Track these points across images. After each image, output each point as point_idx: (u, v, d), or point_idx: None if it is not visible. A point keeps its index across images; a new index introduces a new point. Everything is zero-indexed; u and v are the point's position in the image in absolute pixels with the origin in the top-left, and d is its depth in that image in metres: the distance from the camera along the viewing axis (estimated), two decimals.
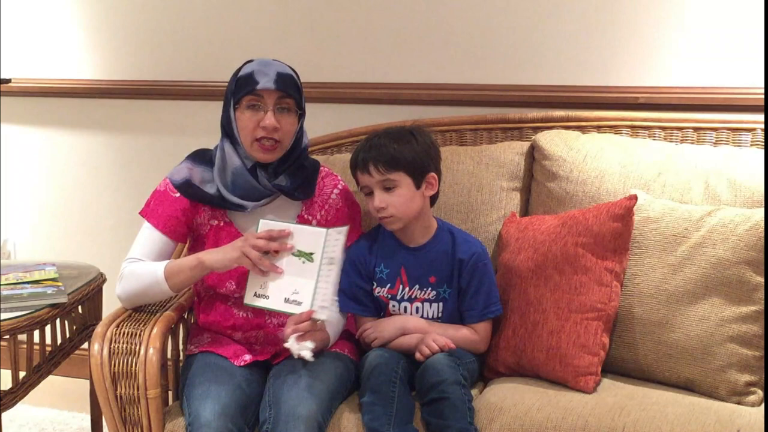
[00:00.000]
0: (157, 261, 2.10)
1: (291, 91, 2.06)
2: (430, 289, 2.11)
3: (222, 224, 2.14)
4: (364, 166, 2.05)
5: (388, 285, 2.12)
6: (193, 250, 2.19)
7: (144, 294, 2.07)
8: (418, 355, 2.01)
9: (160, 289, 2.05)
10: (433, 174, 2.08)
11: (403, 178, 2.04)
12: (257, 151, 2.07)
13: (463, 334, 2.10)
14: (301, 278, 1.96)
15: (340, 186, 2.20)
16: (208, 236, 2.14)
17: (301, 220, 2.15)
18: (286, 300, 1.97)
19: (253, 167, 2.10)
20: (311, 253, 1.97)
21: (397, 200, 2.04)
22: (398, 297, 2.12)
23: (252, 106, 2.05)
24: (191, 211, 2.14)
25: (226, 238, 2.12)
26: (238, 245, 1.98)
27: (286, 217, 2.14)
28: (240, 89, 2.06)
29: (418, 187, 2.06)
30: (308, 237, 1.97)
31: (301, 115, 2.10)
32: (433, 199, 2.14)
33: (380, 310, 2.15)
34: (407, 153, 2.03)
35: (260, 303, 1.99)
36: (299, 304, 1.95)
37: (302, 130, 2.14)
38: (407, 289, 2.12)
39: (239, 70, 2.10)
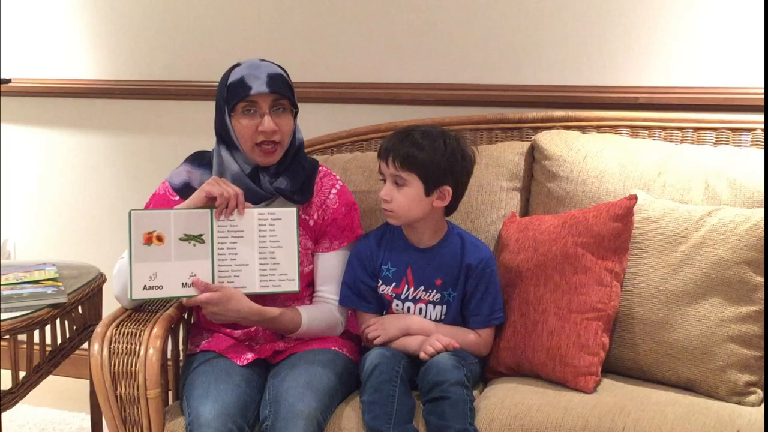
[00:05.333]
0: None
1: (284, 91, 2.05)
2: (435, 291, 2.11)
3: None
4: (385, 156, 2.04)
5: (393, 284, 2.12)
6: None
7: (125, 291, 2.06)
8: (422, 354, 2.01)
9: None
10: (447, 187, 2.04)
11: (414, 180, 2.02)
12: (258, 155, 2.07)
13: (466, 336, 2.10)
14: (195, 260, 1.97)
15: (338, 186, 2.20)
16: None
17: (299, 221, 2.15)
18: (184, 285, 1.97)
19: (252, 171, 2.09)
20: (200, 235, 1.98)
21: (401, 199, 2.04)
22: (402, 296, 2.12)
23: (248, 111, 2.04)
24: None
25: None
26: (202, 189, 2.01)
27: None
28: (233, 96, 2.04)
29: (427, 194, 2.03)
30: (194, 220, 1.98)
31: (295, 113, 2.10)
32: (450, 210, 2.11)
33: (383, 307, 2.15)
34: (427, 158, 2.00)
35: (153, 294, 1.97)
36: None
37: (296, 126, 2.13)
38: (412, 289, 2.11)
39: (228, 75, 2.08)
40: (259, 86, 2.02)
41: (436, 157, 2.01)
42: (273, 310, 2.03)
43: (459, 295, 2.11)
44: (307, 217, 2.16)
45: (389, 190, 2.05)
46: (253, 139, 2.04)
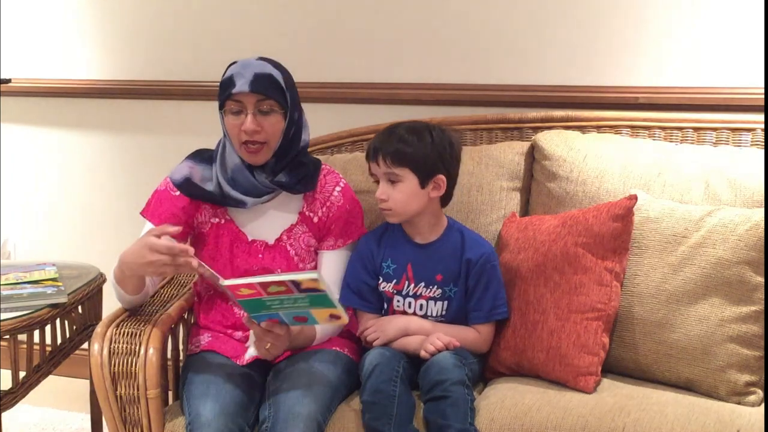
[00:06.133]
0: None
1: (270, 92, 2.03)
2: (436, 287, 2.11)
3: (223, 222, 2.15)
4: (374, 156, 2.06)
5: (394, 281, 2.12)
6: (193, 248, 2.18)
7: (122, 301, 2.08)
8: (423, 353, 2.01)
9: (122, 296, 2.05)
10: (441, 176, 2.06)
11: (408, 174, 2.03)
12: (244, 154, 2.07)
13: (466, 334, 2.10)
14: None
15: (341, 184, 2.20)
16: (209, 234, 2.15)
17: (303, 218, 2.15)
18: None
19: (251, 166, 2.10)
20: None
21: (398, 195, 2.04)
22: (403, 293, 2.12)
23: (234, 110, 2.04)
24: (191, 210, 2.14)
25: (227, 236, 2.13)
26: (142, 242, 1.89)
27: (288, 212, 2.15)
28: (222, 93, 2.06)
29: (422, 186, 2.05)
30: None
31: (286, 114, 2.08)
32: (445, 200, 2.13)
33: (383, 305, 2.15)
34: (417, 151, 2.03)
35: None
36: None
37: (298, 127, 2.12)
38: (412, 285, 2.11)
39: (225, 72, 2.09)
40: (241, 86, 2.01)
41: (426, 148, 2.03)
42: (294, 328, 2.00)
43: (461, 291, 2.11)
44: (311, 214, 2.16)
45: (384, 189, 2.05)
46: (239, 137, 2.05)
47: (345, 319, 1.87)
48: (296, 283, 1.80)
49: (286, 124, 2.08)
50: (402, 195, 2.04)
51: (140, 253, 1.88)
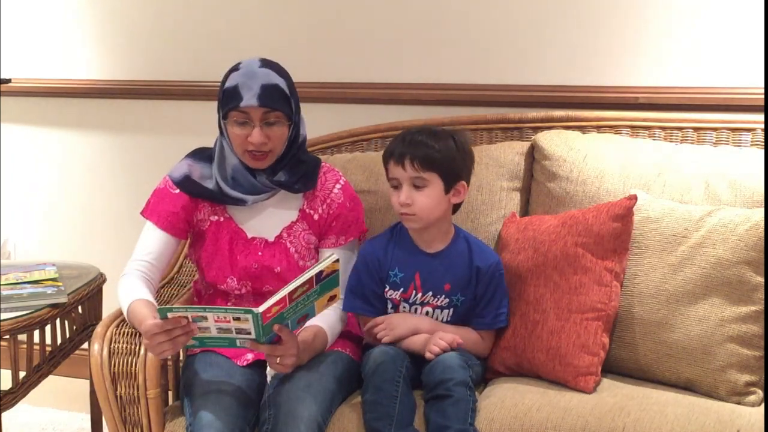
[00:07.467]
0: (159, 260, 2.11)
1: (278, 104, 2.02)
2: (443, 296, 2.10)
3: (222, 220, 2.15)
4: (400, 159, 2.02)
5: (401, 289, 2.11)
6: (193, 246, 2.19)
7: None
8: (428, 354, 2.00)
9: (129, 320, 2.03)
10: (463, 182, 2.06)
11: (435, 179, 2.02)
12: (249, 160, 2.07)
13: (470, 335, 2.10)
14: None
15: (341, 182, 2.20)
16: (208, 232, 2.15)
17: (303, 215, 2.15)
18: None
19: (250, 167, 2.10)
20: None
21: (424, 200, 2.03)
22: (410, 301, 2.11)
23: (239, 121, 2.03)
24: (191, 207, 2.14)
25: (226, 234, 2.13)
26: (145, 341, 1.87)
27: (288, 209, 2.14)
28: (226, 103, 2.04)
29: (447, 191, 2.04)
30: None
31: (291, 122, 2.07)
32: (456, 207, 2.12)
33: (386, 309, 2.14)
34: (445, 156, 2.01)
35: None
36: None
37: (298, 128, 2.12)
38: (420, 294, 2.11)
39: (226, 78, 2.07)
40: (249, 99, 2.00)
41: (452, 154, 2.03)
42: (308, 335, 1.99)
43: (468, 299, 2.10)
44: (311, 212, 2.16)
45: (409, 193, 2.03)
46: (244, 146, 2.05)
47: (339, 296, 1.93)
48: (318, 274, 1.81)
49: (291, 131, 2.08)
50: (428, 200, 2.03)
51: (138, 326, 1.93)
